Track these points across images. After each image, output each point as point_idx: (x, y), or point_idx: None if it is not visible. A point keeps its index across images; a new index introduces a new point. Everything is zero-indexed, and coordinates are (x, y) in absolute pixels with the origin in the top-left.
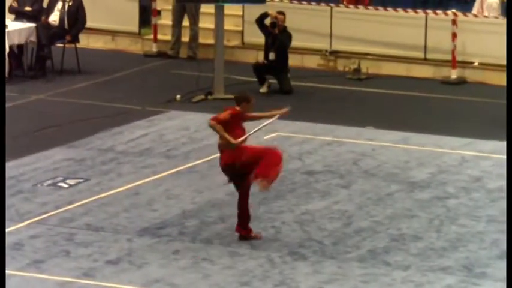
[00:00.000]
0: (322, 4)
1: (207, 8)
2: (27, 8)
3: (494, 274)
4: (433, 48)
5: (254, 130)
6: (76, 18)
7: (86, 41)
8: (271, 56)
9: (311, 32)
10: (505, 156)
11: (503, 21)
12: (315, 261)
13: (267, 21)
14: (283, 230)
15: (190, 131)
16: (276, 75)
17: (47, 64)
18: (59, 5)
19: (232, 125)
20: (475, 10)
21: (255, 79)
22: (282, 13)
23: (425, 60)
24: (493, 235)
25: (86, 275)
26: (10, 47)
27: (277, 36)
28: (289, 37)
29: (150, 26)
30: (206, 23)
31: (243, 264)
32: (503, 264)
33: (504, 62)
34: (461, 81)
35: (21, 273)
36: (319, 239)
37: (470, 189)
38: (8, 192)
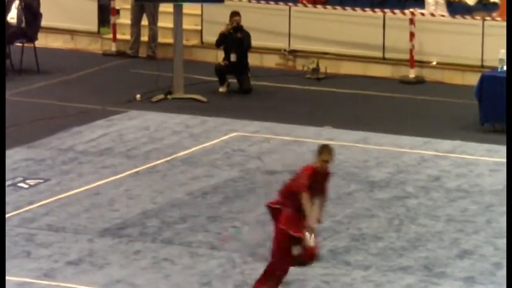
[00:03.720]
0: (281, 3)
1: (165, 7)
2: None
3: (453, 273)
4: (391, 47)
5: None
6: (34, 15)
7: (44, 41)
8: (233, 57)
9: (270, 31)
10: (464, 156)
11: (459, 20)
12: None
13: (227, 27)
14: (243, 230)
15: (150, 130)
16: (236, 75)
17: (6, 63)
18: (16, 3)
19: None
20: (430, 7)
21: (215, 79)
22: (238, 14)
23: (383, 60)
24: (452, 234)
25: (47, 275)
26: None
27: (240, 39)
28: (249, 37)
29: (109, 25)
30: (165, 22)
31: (203, 264)
32: (462, 264)
33: (461, 61)
34: (419, 81)
35: None
36: None
37: (429, 189)
38: None
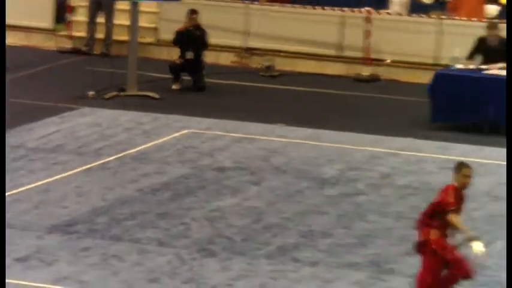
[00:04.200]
0: (238, 1)
1: (122, 5)
2: None
3: (401, 270)
4: (347, 45)
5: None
6: None
7: None
8: (189, 55)
9: (226, 29)
10: (415, 153)
11: (415, 18)
12: (224, 258)
13: (185, 25)
14: (193, 226)
15: (102, 127)
16: (191, 73)
17: None
18: None
19: None
20: (394, 6)
21: (169, 76)
22: (195, 12)
23: (339, 58)
24: (401, 231)
25: None
26: None
27: (198, 37)
28: (207, 35)
29: (65, 22)
30: (121, 20)
31: (151, 261)
32: (411, 260)
33: (416, 60)
34: (374, 79)
35: None
36: (228, 236)
37: (379, 186)
38: None
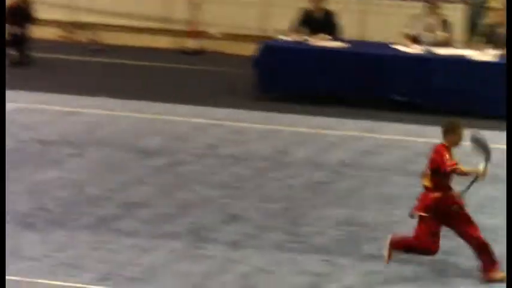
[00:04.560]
0: None
1: None
2: None
3: (219, 238)
4: (173, 19)
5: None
6: None
7: None
8: (16, 30)
9: (51, 3)
10: (239, 123)
11: None
12: (44, 230)
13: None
14: (13, 199)
15: None
16: (17, 47)
17: None
18: None
19: None
20: None
21: None
22: None
23: (165, 31)
24: (221, 200)
25: None
26: None
27: (26, 12)
28: (33, 9)
29: None
30: None
31: None
32: (228, 228)
33: (242, 32)
34: (200, 51)
35: None
36: (49, 208)
37: (202, 156)
38: None
